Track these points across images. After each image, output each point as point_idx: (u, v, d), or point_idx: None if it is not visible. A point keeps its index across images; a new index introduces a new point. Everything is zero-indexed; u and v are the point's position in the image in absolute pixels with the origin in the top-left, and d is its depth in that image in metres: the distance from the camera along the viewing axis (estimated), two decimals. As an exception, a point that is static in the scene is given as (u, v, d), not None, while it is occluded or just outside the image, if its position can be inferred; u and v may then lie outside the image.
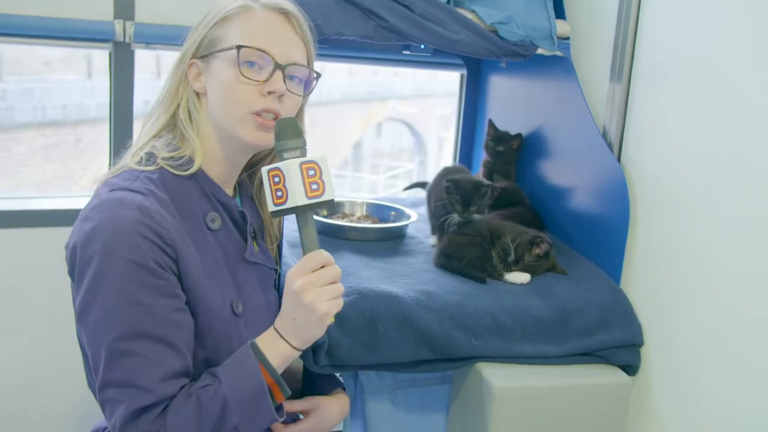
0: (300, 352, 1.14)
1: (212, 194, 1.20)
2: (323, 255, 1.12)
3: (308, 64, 1.24)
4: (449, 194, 1.81)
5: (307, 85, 1.25)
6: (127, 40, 2.03)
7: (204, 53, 1.20)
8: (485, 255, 1.72)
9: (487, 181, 1.84)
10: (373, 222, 2.03)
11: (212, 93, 1.19)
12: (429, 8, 1.68)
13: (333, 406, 1.35)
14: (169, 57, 2.35)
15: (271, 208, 1.11)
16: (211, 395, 1.07)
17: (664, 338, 1.60)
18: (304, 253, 1.13)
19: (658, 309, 1.62)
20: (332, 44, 1.66)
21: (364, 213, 2.08)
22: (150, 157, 1.17)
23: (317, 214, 1.95)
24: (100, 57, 2.11)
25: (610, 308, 1.63)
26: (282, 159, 1.11)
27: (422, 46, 1.78)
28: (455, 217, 1.81)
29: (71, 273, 1.10)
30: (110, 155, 2.16)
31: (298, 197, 1.09)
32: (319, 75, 1.25)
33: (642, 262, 1.68)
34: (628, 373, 1.60)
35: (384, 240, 1.92)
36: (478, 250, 1.72)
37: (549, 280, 1.70)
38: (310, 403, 1.33)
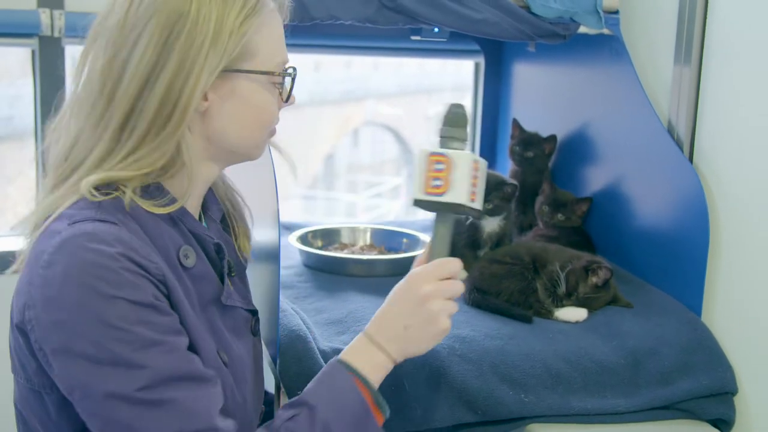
0: (392, 366, 1.22)
1: (183, 223, 1.20)
2: (455, 265, 1.23)
3: None
4: None
5: None
6: (56, 34, 2.03)
7: (229, 68, 1.16)
8: (528, 287, 1.72)
9: (513, 181, 1.90)
10: (381, 252, 2.03)
11: (230, 117, 1.19)
12: (445, -19, 1.70)
13: None
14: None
15: (417, 195, 1.22)
16: (306, 424, 1.13)
17: (764, 383, 1.61)
18: (433, 256, 1.24)
19: (752, 346, 1.63)
20: (324, 31, 1.67)
21: (368, 242, 2.08)
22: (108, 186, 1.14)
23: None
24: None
25: (691, 348, 1.63)
26: (447, 146, 1.21)
27: (436, 30, 1.80)
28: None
29: (40, 340, 1.07)
30: (38, 175, 2.15)
31: (461, 195, 1.20)
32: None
33: (729, 287, 1.69)
34: (721, 430, 1.60)
35: (396, 275, 1.85)
36: (518, 281, 1.72)
37: (611, 315, 1.70)
38: None
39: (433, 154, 1.20)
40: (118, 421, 1.05)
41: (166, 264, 1.14)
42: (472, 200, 1.21)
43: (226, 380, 1.20)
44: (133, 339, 1.04)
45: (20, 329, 1.10)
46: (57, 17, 2.02)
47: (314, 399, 1.16)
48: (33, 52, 2.08)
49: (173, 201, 1.17)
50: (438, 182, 1.18)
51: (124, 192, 1.13)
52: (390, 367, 1.22)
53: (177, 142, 1.14)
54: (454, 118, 1.22)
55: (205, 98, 1.16)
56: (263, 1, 1.18)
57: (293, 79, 1.24)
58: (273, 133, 1.27)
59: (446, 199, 1.19)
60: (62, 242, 1.06)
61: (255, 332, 1.35)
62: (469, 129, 1.25)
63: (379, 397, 1.20)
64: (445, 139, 1.22)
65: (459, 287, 1.24)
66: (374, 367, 1.21)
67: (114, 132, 1.13)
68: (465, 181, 1.19)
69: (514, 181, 1.91)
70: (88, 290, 1.04)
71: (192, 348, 1.14)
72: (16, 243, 1.20)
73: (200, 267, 1.21)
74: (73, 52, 2.14)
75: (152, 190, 1.16)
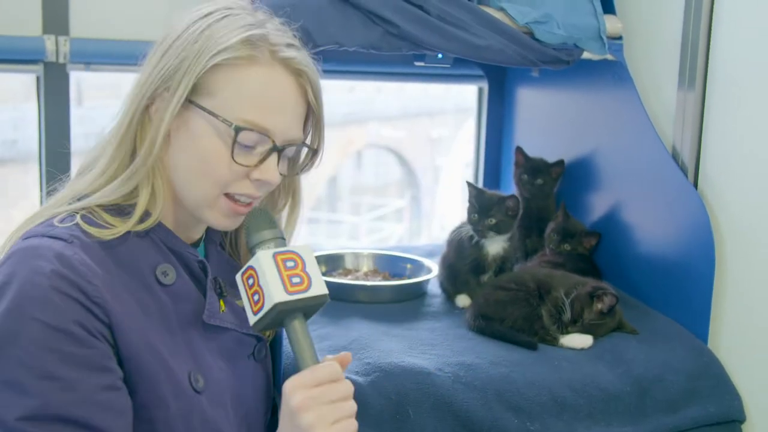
0: None
1: (163, 242, 1.21)
2: (333, 367, 1.10)
3: (304, 130, 1.28)
4: (469, 200, 1.92)
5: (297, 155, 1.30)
6: (61, 60, 2.03)
7: (190, 97, 1.17)
8: (533, 314, 1.72)
9: (512, 194, 1.94)
10: (385, 278, 2.03)
11: (181, 151, 1.20)
12: (449, 9, 1.70)
13: None
14: (94, 80, 2.34)
15: (252, 320, 1.11)
16: None
17: (771, 410, 1.60)
18: (302, 363, 1.11)
19: (760, 374, 1.62)
20: (327, 57, 1.67)
21: (372, 267, 2.08)
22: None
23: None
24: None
25: (697, 375, 1.63)
26: (284, 246, 1.15)
27: (440, 56, 1.80)
28: (467, 230, 1.89)
29: None
30: (42, 199, 2.15)
31: (275, 294, 1.07)
32: (316, 150, 1.29)
33: (735, 313, 1.68)
34: (729, 458, 1.60)
35: (400, 301, 1.91)
36: (523, 308, 1.72)
37: (617, 342, 1.70)
38: None
39: (243, 273, 1.12)
40: None
41: (134, 281, 1.15)
42: (299, 290, 1.10)
43: (196, 406, 1.17)
44: (34, 364, 1.02)
45: None
46: (62, 43, 2.02)
47: None
48: (38, 78, 2.08)
49: (146, 216, 1.18)
50: (256, 296, 1.09)
51: (93, 212, 1.16)
52: None
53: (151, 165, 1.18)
54: (250, 227, 1.17)
55: (158, 115, 1.18)
56: (243, 57, 1.17)
57: (236, 142, 1.16)
58: (231, 198, 1.19)
59: (266, 307, 1.08)
60: (10, 255, 1.09)
61: (258, 358, 1.33)
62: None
63: None
64: (253, 250, 1.14)
65: (343, 389, 1.09)
66: None
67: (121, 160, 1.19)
68: (274, 279, 1.08)
69: (514, 194, 1.93)
70: (11, 304, 1.05)
71: (151, 371, 1.12)
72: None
73: (180, 285, 1.21)
74: (77, 78, 2.14)
75: (124, 207, 1.18)
